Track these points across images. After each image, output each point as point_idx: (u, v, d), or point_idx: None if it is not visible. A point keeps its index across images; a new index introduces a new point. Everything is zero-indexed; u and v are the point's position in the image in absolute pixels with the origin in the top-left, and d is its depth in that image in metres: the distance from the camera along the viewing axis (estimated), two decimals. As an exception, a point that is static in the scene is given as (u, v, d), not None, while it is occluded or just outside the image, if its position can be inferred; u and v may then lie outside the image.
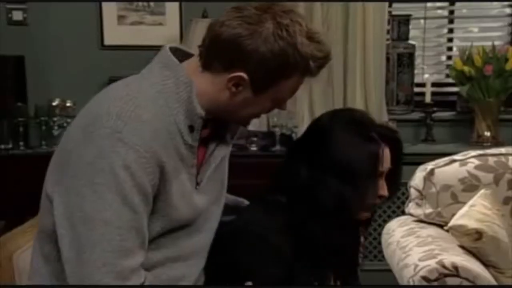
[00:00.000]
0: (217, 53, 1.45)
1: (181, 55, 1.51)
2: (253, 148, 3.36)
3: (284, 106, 1.56)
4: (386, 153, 1.66)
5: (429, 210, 2.21)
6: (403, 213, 2.37)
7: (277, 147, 3.33)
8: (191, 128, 1.46)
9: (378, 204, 1.70)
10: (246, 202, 1.77)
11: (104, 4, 3.57)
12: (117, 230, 1.36)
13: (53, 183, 1.43)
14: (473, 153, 2.29)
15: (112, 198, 1.35)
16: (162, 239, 1.48)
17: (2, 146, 3.34)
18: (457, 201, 2.17)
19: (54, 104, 3.39)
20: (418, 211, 2.24)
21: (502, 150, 2.32)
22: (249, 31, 1.41)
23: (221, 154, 1.59)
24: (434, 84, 3.67)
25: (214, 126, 1.55)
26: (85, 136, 1.38)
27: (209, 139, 1.56)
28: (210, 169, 1.56)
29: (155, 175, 1.40)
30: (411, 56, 3.61)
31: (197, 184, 1.53)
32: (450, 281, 1.81)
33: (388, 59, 3.56)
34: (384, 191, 1.67)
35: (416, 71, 3.67)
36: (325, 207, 1.59)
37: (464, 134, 3.55)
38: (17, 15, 3.55)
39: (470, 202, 2.08)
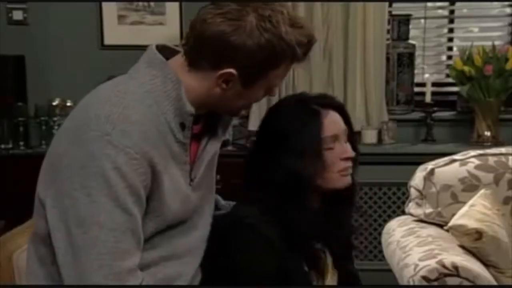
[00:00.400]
0: (204, 52, 1.44)
1: (169, 52, 1.51)
2: (253, 148, 3.36)
3: (274, 93, 1.58)
4: (332, 118, 1.70)
5: (429, 210, 2.21)
6: (403, 213, 2.37)
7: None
8: (182, 126, 1.46)
9: (347, 167, 1.72)
10: (221, 200, 1.78)
11: (104, 4, 3.57)
12: (112, 232, 1.35)
13: (45, 187, 1.42)
14: (473, 153, 2.28)
15: (105, 201, 1.35)
16: (156, 238, 1.47)
17: (2, 146, 3.34)
18: (457, 201, 2.17)
19: (54, 104, 3.40)
20: (418, 211, 2.24)
21: (502, 150, 2.31)
22: (233, 27, 1.40)
23: (213, 149, 1.60)
24: (434, 84, 3.67)
25: (206, 121, 1.55)
26: (75, 140, 1.38)
27: (200, 134, 1.56)
28: (204, 164, 1.56)
29: (146, 175, 1.39)
30: (411, 56, 3.61)
31: (191, 180, 1.53)
32: (450, 281, 1.80)
33: (388, 59, 3.56)
34: (347, 153, 1.71)
35: (416, 71, 3.67)
36: (285, 185, 1.63)
37: (464, 134, 3.55)
38: (17, 15, 3.55)
39: (470, 202, 2.07)
